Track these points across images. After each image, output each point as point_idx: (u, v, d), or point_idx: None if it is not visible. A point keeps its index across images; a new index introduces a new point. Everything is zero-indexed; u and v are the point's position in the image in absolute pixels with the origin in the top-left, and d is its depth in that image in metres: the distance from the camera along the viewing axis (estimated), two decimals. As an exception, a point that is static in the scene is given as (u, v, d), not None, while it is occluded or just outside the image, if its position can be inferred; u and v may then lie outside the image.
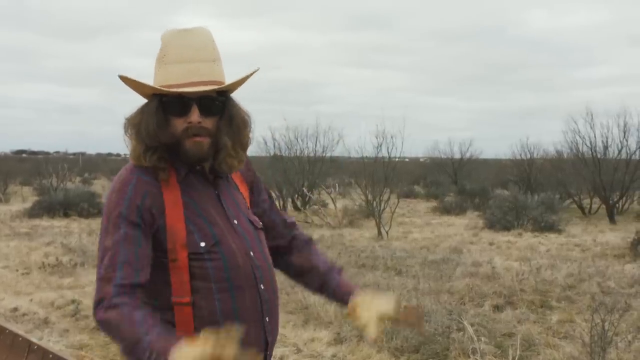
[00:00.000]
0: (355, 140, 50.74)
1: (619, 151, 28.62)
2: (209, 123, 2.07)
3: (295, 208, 29.09)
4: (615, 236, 17.90)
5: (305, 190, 27.03)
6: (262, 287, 2.11)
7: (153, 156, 2.04)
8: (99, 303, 1.94)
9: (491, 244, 16.17)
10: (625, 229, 19.77)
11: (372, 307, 2.15)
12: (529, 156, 35.93)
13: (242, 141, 2.16)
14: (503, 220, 20.07)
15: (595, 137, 28.76)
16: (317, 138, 31.09)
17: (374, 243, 16.28)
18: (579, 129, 29.54)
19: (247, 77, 2.13)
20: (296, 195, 29.56)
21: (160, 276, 2.01)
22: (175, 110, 2.04)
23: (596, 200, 28.47)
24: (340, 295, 2.31)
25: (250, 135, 2.20)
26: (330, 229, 19.97)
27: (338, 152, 29.86)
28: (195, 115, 2.04)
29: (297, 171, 29.50)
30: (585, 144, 28.96)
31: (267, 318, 2.13)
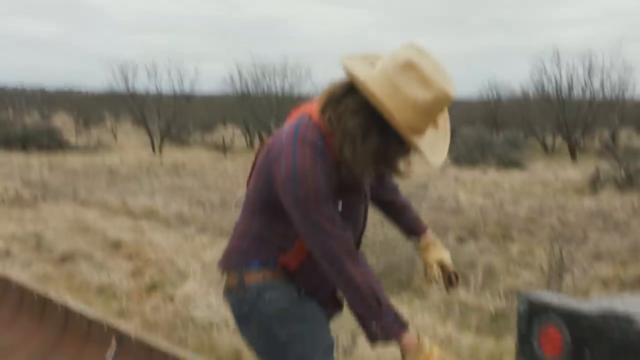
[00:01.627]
0: (324, 78, 50.26)
1: (583, 91, 28.98)
2: None
3: (262, 144, 28.96)
4: (575, 172, 18.26)
5: (272, 126, 26.91)
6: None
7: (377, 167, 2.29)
8: (349, 253, 2.25)
9: (456, 179, 16.34)
10: (586, 165, 20.12)
11: (437, 252, 2.72)
12: (495, 95, 36.19)
13: None
14: (469, 156, 20.30)
15: (561, 76, 29.05)
16: (285, 75, 30.87)
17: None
18: (545, 68, 29.78)
19: None
20: (264, 132, 29.43)
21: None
22: (406, 151, 2.27)
23: (559, 138, 28.90)
24: (412, 229, 2.79)
25: None
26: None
27: (306, 90, 29.70)
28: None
29: (265, 108, 29.32)
30: (551, 84, 29.25)
31: None
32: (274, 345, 2.45)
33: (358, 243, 2.52)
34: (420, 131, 2.19)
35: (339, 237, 2.24)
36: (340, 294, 2.53)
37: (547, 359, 2.19)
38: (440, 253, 2.73)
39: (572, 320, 2.11)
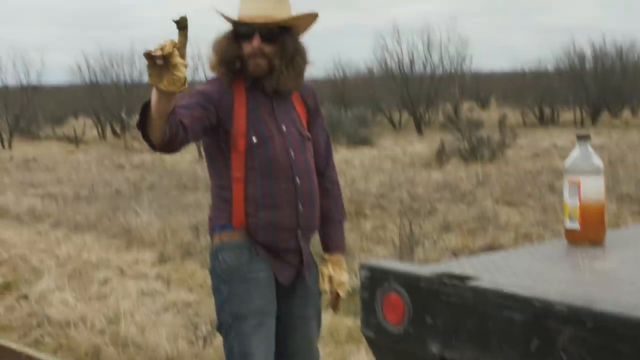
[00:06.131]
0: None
1: (424, 66, 30.11)
2: (268, 49, 2.70)
3: (114, 134, 28.30)
4: (422, 146, 18.98)
5: (123, 115, 26.30)
6: (298, 181, 2.77)
7: (222, 67, 2.73)
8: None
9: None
10: (432, 139, 20.86)
11: (335, 269, 2.94)
12: (341, 74, 36.68)
13: (294, 65, 2.77)
14: (318, 136, 20.62)
15: (402, 53, 30.01)
16: (132, 62, 30.23)
17: (195, 165, 16.23)
18: (387, 46, 30.68)
19: (303, 17, 2.78)
20: (115, 122, 28.74)
21: (223, 162, 2.76)
22: (243, 36, 2.71)
23: (405, 113, 29.88)
24: (328, 243, 3.00)
25: (305, 63, 2.82)
26: (151, 154, 19.68)
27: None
28: (256, 41, 2.69)
29: (115, 97, 28.62)
30: (394, 60, 30.16)
31: (300, 205, 2.78)
32: (218, 299, 2.80)
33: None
34: (250, 14, 2.73)
35: None
36: (293, 258, 2.83)
37: (391, 327, 2.22)
38: (336, 272, 2.95)
39: (411, 284, 2.16)
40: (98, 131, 29.60)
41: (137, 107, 28.68)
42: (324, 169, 2.97)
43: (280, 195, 2.75)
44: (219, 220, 2.79)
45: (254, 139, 2.73)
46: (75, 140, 25.21)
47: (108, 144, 25.79)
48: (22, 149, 24.33)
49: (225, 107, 2.72)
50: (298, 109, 2.91)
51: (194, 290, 6.28)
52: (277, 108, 2.82)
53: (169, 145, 2.48)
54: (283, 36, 2.75)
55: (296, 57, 2.78)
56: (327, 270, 2.94)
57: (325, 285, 2.93)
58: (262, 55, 2.71)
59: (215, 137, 2.75)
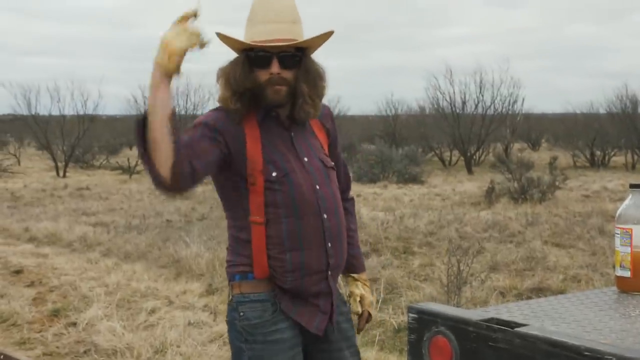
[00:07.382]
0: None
1: (476, 106, 30.14)
2: (287, 74, 2.44)
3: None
4: (472, 185, 18.93)
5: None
6: (325, 217, 2.51)
7: (237, 101, 2.44)
8: None
9: (358, 195, 16.56)
10: (482, 178, 20.79)
11: (364, 289, 2.79)
12: (393, 112, 36.90)
13: (317, 91, 2.54)
14: (370, 173, 20.73)
15: (454, 93, 30.11)
16: (187, 96, 30.83)
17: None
18: (439, 85, 30.82)
19: (321, 36, 2.49)
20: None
21: (240, 203, 2.48)
22: (259, 62, 2.43)
23: (455, 152, 29.84)
24: (352, 264, 2.79)
25: (326, 86, 2.57)
26: (202, 185, 19.92)
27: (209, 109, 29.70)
28: (275, 67, 2.42)
29: (168, 129, 29.09)
30: (445, 100, 30.29)
31: (329, 243, 2.52)
32: (238, 358, 2.54)
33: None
34: (263, 38, 2.44)
35: None
36: (324, 302, 2.57)
37: (438, 370, 2.20)
38: (367, 291, 2.82)
39: (459, 329, 2.14)
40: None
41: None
42: (344, 193, 2.76)
43: (308, 234, 2.48)
44: (239, 267, 2.53)
45: (274, 174, 2.45)
46: (128, 170, 25.63)
47: (160, 174, 26.09)
48: (76, 177, 24.86)
49: (236, 139, 2.45)
50: (318, 134, 2.67)
51: (240, 323, 6.31)
52: (296, 138, 2.55)
53: (178, 177, 2.29)
54: (301, 59, 2.49)
55: (318, 81, 2.54)
56: (359, 290, 2.78)
57: (357, 307, 2.76)
58: (282, 81, 2.44)
59: (228, 172, 2.48)
